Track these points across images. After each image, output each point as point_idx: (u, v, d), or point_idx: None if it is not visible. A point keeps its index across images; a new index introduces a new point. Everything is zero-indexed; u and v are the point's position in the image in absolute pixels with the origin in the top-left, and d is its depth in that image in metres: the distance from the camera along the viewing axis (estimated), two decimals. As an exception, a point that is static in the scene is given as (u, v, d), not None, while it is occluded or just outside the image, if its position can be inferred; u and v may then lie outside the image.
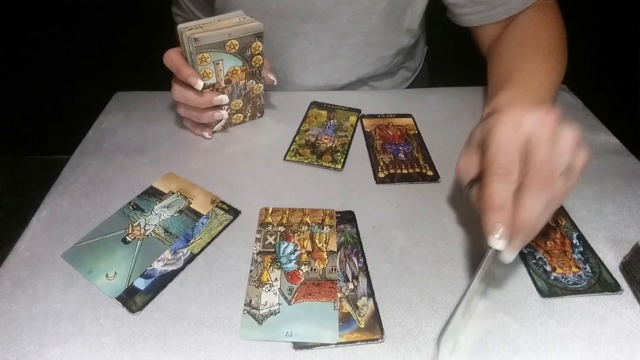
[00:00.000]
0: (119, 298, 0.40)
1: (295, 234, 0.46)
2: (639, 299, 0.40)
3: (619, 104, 1.05)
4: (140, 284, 0.41)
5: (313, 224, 0.47)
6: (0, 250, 0.47)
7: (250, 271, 0.42)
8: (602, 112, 0.65)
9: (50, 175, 0.55)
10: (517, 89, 0.49)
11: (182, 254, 0.44)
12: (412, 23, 0.70)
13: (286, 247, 0.45)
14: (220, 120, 0.58)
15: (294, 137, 0.60)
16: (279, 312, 0.39)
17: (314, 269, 0.42)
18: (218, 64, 0.54)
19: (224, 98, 0.55)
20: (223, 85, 0.57)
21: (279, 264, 0.43)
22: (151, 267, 0.43)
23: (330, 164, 0.56)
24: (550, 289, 0.41)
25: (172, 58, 0.54)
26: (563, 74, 0.55)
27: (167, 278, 0.42)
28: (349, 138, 0.60)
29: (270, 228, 0.47)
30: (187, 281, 0.42)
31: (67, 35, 1.49)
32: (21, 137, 1.68)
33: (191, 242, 0.45)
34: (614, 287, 0.41)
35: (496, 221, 0.35)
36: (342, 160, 0.56)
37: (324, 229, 0.46)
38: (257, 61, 0.57)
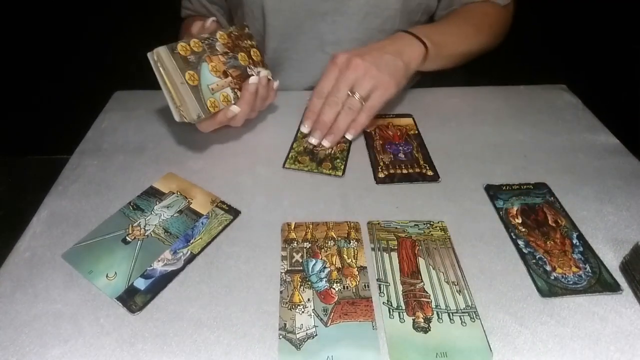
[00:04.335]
0: (119, 298, 0.40)
1: (322, 250, 0.45)
2: (639, 299, 0.40)
3: (619, 104, 1.05)
4: (140, 284, 0.41)
5: (339, 239, 0.46)
6: (0, 250, 0.47)
7: (281, 292, 0.41)
8: (602, 112, 0.65)
9: (50, 175, 0.55)
10: (434, 27, 0.69)
11: (182, 254, 0.44)
12: (423, 16, 0.73)
13: (314, 264, 0.43)
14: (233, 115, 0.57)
15: (292, 144, 0.60)
16: (316, 335, 0.37)
17: (347, 287, 0.41)
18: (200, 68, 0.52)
19: (234, 109, 0.54)
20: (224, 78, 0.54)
21: (309, 283, 0.42)
22: (151, 267, 0.43)
23: (330, 171, 0.55)
24: (550, 289, 0.41)
25: None
26: (481, 43, 0.70)
27: (167, 278, 0.42)
28: (348, 144, 0.60)
29: (295, 245, 0.45)
30: (187, 281, 0.42)
31: (67, 34, 1.49)
32: (21, 137, 1.68)
33: (191, 242, 0.45)
34: (614, 287, 0.41)
35: (307, 118, 0.59)
36: (342, 167, 0.55)
37: (351, 243, 0.45)
38: (244, 59, 0.56)
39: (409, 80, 0.61)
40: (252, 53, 0.58)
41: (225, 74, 0.54)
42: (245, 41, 0.58)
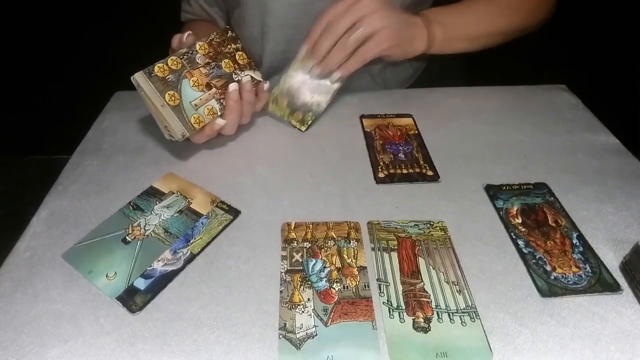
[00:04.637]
0: (119, 298, 0.40)
1: (322, 250, 0.45)
2: (639, 299, 0.40)
3: (619, 104, 1.05)
4: (140, 284, 0.41)
5: (339, 239, 0.46)
6: (0, 250, 0.47)
7: (281, 292, 0.41)
8: (602, 112, 0.65)
9: (50, 175, 0.55)
10: (447, 8, 0.65)
11: (182, 254, 0.44)
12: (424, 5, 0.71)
13: (314, 264, 0.43)
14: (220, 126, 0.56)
15: (280, 81, 0.61)
16: (316, 334, 0.37)
17: (347, 287, 0.41)
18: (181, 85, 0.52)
19: (219, 121, 0.54)
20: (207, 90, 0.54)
21: (309, 282, 0.42)
22: (151, 267, 0.43)
23: (297, 123, 0.61)
24: (550, 288, 0.41)
25: None
26: (513, 22, 0.68)
27: (167, 278, 0.42)
28: (326, 103, 0.61)
29: (295, 244, 0.45)
30: (187, 281, 0.42)
31: (67, 35, 1.49)
32: (21, 137, 1.68)
33: (191, 242, 0.45)
34: (614, 287, 0.41)
35: (305, 43, 0.58)
36: (310, 123, 0.61)
37: (351, 243, 0.45)
38: (228, 65, 0.55)
39: (410, 59, 0.62)
40: (237, 57, 0.57)
41: (208, 87, 0.54)
42: (229, 45, 0.56)
